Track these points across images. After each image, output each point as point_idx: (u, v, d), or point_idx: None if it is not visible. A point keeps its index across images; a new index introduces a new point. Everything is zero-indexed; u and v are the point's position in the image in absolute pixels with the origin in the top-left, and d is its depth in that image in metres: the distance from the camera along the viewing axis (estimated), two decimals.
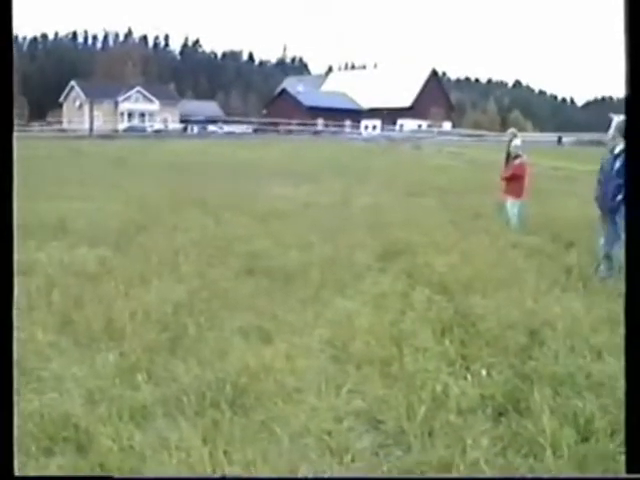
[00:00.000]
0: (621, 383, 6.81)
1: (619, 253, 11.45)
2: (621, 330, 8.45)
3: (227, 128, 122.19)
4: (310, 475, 5.37)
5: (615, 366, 7.28)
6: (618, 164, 11.60)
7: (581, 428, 5.99)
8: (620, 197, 11.45)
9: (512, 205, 17.73)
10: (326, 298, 10.05)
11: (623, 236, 10.60)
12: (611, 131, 12.18)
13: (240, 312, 9.21)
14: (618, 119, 12.03)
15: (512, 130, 22.30)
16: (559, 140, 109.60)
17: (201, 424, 6.01)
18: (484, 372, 7.17)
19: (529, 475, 5.44)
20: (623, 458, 5.59)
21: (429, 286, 10.47)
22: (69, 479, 5.50)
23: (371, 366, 7.41)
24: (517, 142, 18.58)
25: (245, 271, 11.62)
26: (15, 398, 4.00)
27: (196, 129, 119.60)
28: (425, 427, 5.99)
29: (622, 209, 11.18)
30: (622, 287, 10.53)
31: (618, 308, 9.58)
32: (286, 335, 8.31)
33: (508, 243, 14.46)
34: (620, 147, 11.63)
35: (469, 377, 7.07)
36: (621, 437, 5.79)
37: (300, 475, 5.36)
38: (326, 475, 5.41)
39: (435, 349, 7.81)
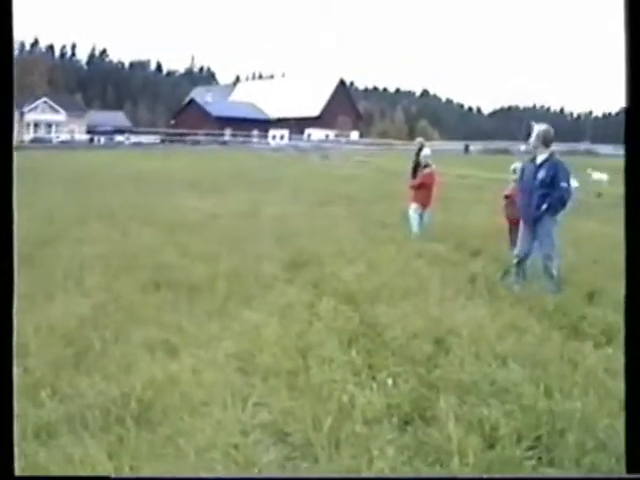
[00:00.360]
0: (526, 389, 6.92)
1: (533, 261, 12.10)
2: (526, 337, 8.61)
3: (134, 139, 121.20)
4: None
5: (520, 373, 7.40)
6: (542, 174, 11.69)
7: (487, 435, 6.05)
8: (545, 207, 11.66)
9: (419, 214, 17.91)
10: (233, 310, 9.98)
11: (547, 243, 11.83)
12: (532, 140, 12.07)
13: (146, 325, 9.12)
14: (539, 127, 12.06)
15: (420, 139, 22.48)
16: (466, 148, 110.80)
17: (106, 440, 5.93)
18: (390, 381, 7.19)
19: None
20: (529, 464, 5.68)
21: (336, 296, 10.51)
22: (69, 479, 5.49)
23: (278, 378, 7.38)
24: (426, 152, 18.76)
25: (151, 284, 11.51)
26: None
27: (103, 140, 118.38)
28: (332, 438, 5.99)
29: (544, 219, 11.75)
30: (529, 294, 10.69)
31: (523, 315, 9.74)
32: (192, 348, 8.24)
33: (414, 252, 14.59)
34: (543, 156, 11.80)
35: (375, 387, 7.08)
36: (526, 443, 5.88)
37: None
38: None
39: (341, 359, 7.81)
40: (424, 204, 18.00)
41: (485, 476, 5.55)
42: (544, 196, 11.65)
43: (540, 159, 11.84)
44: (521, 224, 12.29)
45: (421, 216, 17.93)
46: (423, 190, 17.98)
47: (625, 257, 4.28)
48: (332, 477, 5.63)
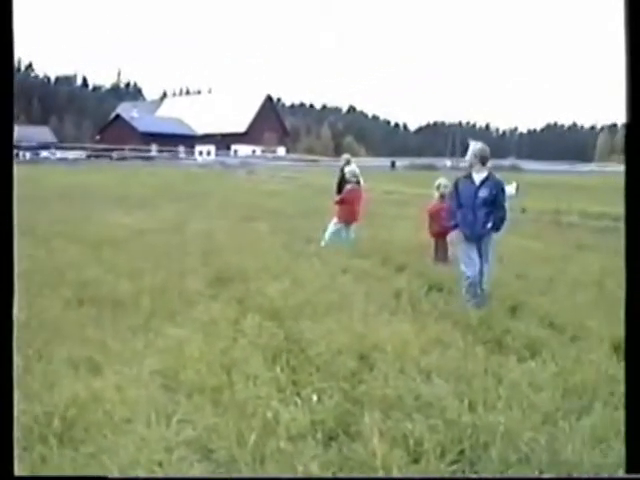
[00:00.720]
0: (450, 403, 6.97)
1: (484, 279, 11.89)
2: (450, 352, 8.67)
3: (60, 154, 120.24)
4: None
5: (444, 387, 7.44)
6: (484, 192, 11.67)
7: (411, 450, 6.08)
8: (490, 225, 11.72)
9: (345, 229, 18.01)
10: (157, 326, 9.90)
11: (489, 259, 12.01)
12: (468, 157, 12.03)
13: (69, 343, 9.02)
14: (475, 145, 12.01)
15: (346, 156, 22.66)
16: (392, 165, 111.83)
17: (29, 459, 5.86)
18: (315, 397, 7.19)
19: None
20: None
21: (260, 312, 10.46)
22: (68, 479, 5.52)
23: (202, 395, 7.35)
24: (350, 168, 18.89)
25: (75, 300, 11.39)
26: None
27: (28, 155, 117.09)
28: (256, 454, 5.97)
29: (490, 236, 11.89)
30: (453, 309, 10.75)
31: (447, 330, 9.80)
32: (116, 365, 8.15)
33: (339, 267, 14.62)
34: (482, 175, 11.78)
35: (299, 403, 7.08)
36: (450, 457, 5.92)
37: None
38: None
39: (266, 375, 7.79)
40: (348, 220, 18.14)
41: (485, 476, 5.59)
42: (488, 214, 11.67)
43: (479, 177, 11.79)
44: (463, 243, 12.15)
45: (347, 231, 18.05)
46: (346, 206, 18.11)
47: (625, 257, 4.33)
48: (333, 477, 5.63)
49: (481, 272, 11.83)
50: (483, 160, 11.83)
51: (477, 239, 11.84)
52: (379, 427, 6.41)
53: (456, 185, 12.23)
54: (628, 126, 4.30)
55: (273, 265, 14.48)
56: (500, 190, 11.80)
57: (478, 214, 11.70)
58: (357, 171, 18.67)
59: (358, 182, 18.53)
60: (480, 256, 11.87)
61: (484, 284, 11.79)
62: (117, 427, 6.52)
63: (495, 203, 11.68)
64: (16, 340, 9.07)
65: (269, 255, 15.91)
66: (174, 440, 6.27)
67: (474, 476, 5.68)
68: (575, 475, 5.65)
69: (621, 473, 5.60)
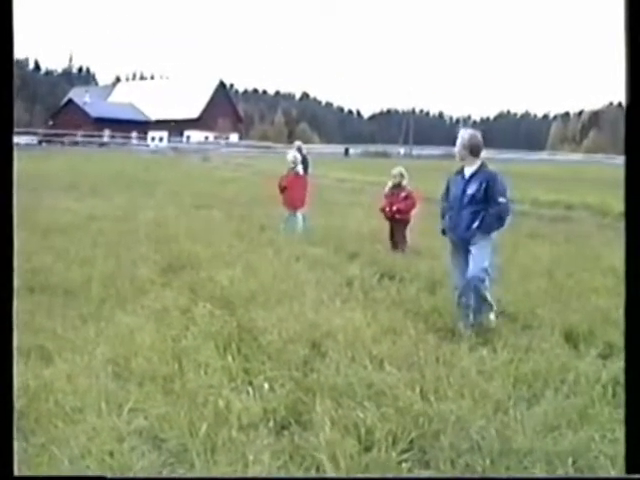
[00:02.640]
0: (402, 392, 6.99)
1: (480, 288, 10.09)
2: (402, 340, 8.70)
3: None
4: None
5: (396, 375, 7.47)
6: (473, 188, 10.07)
7: (362, 438, 6.09)
8: (476, 225, 10.08)
9: (294, 217, 18.03)
10: (108, 314, 9.88)
11: (484, 266, 10.12)
12: (457, 148, 10.33)
13: (19, 331, 8.91)
14: (464, 133, 10.40)
15: (298, 143, 22.68)
16: (346, 152, 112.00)
17: None
18: (266, 386, 7.20)
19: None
20: (405, 466, 5.74)
21: (212, 300, 10.47)
22: (68, 479, 5.50)
23: (153, 383, 7.33)
24: (290, 155, 18.90)
25: (25, 288, 11.28)
26: None
27: None
28: (208, 444, 5.96)
29: (476, 238, 10.14)
30: (405, 297, 10.75)
31: (399, 318, 9.83)
32: (67, 353, 8.11)
33: (292, 255, 14.62)
34: (472, 168, 10.18)
35: (251, 391, 7.08)
36: (402, 445, 5.93)
37: None
38: None
39: (217, 364, 7.78)
40: (291, 207, 18.19)
41: (485, 476, 5.60)
42: (475, 213, 10.04)
43: (469, 171, 10.20)
44: (450, 248, 10.74)
45: (297, 219, 18.07)
46: (286, 192, 18.16)
47: (625, 257, 4.35)
48: (332, 477, 5.62)
49: (473, 281, 10.04)
50: (474, 150, 10.22)
51: (463, 243, 10.27)
52: (331, 416, 6.42)
53: (447, 183, 10.68)
54: (627, 124, 4.33)
55: (226, 253, 14.48)
56: (492, 183, 10.02)
57: (463, 213, 10.16)
58: (297, 158, 18.66)
59: (300, 169, 18.52)
60: (469, 263, 10.14)
61: (485, 290, 10.11)
62: (68, 417, 6.48)
63: (487, 199, 9.99)
64: None
65: (222, 243, 15.89)
66: (125, 430, 6.26)
67: (475, 476, 5.70)
68: (575, 475, 5.68)
69: (570, 462, 5.65)
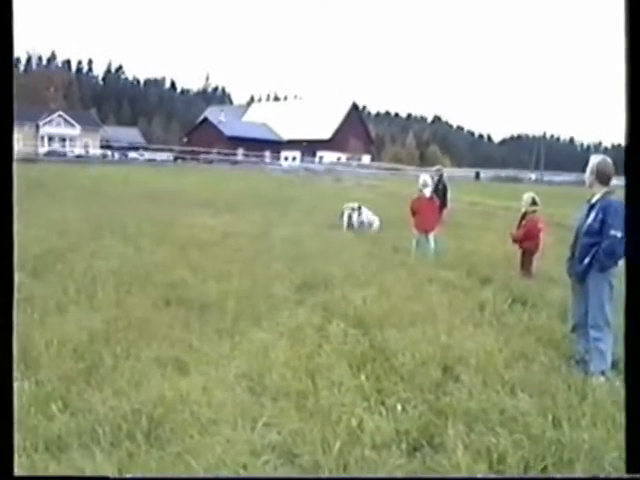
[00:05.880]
0: (534, 419, 6.93)
1: (598, 331, 9.07)
2: (534, 366, 8.59)
3: (148, 155, 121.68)
4: None
5: (528, 402, 7.40)
6: (590, 218, 9.13)
7: (494, 464, 6.07)
8: (587, 260, 9.17)
9: (426, 239, 18.01)
10: (243, 329, 10.05)
11: (598, 306, 9.06)
12: (586, 175, 9.47)
13: (157, 342, 9.16)
14: (594, 159, 9.43)
15: (438, 166, 22.78)
16: (477, 175, 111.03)
17: (116, 455, 5.98)
18: (399, 407, 7.21)
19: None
20: None
21: (345, 319, 10.55)
22: (69, 479, 5.56)
23: (287, 399, 7.43)
24: (421, 178, 18.88)
25: (163, 300, 11.55)
26: None
27: (117, 155, 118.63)
28: (340, 461, 6.02)
29: (591, 276, 9.18)
30: (538, 324, 10.55)
31: (531, 344, 9.71)
32: (203, 366, 8.29)
33: (424, 277, 14.58)
34: (596, 197, 9.20)
35: (384, 412, 7.11)
36: (533, 472, 5.89)
37: None
38: None
39: (351, 383, 7.84)
40: (421, 229, 18.15)
41: (485, 476, 5.58)
42: (590, 246, 9.07)
43: (594, 199, 9.22)
44: (571, 280, 9.77)
45: (429, 241, 18.03)
46: (417, 216, 18.15)
47: (625, 257, 4.31)
48: (332, 477, 5.66)
49: (587, 329, 9.15)
50: (601, 177, 9.22)
51: (578, 278, 9.37)
52: (463, 440, 6.42)
53: (582, 212, 9.52)
54: (629, 133, 4.29)
55: (359, 273, 14.52)
56: (608, 213, 8.87)
57: (580, 245, 9.31)
58: (427, 181, 18.59)
59: (428, 192, 18.46)
60: (583, 301, 9.29)
61: (600, 344, 9.01)
62: (203, 428, 6.61)
63: (601, 232, 8.92)
64: (104, 337, 9.25)
65: (355, 263, 15.94)
66: (259, 443, 6.34)
67: (476, 476, 5.65)
68: (576, 475, 5.60)
69: None
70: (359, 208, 24.66)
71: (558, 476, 5.61)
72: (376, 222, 24.33)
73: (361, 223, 24.74)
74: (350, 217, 24.22)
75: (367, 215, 24.83)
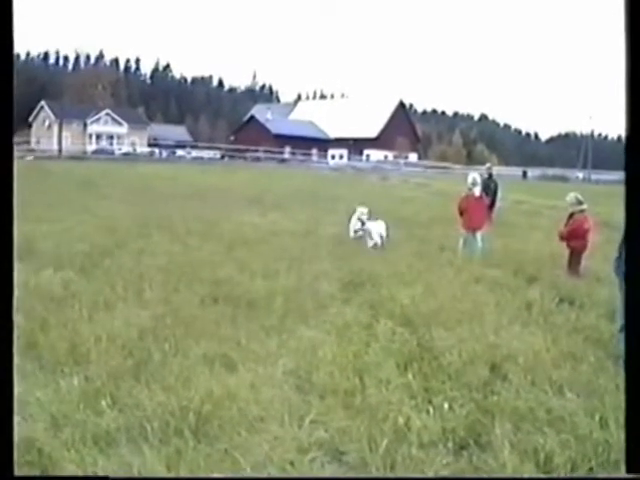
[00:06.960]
0: (582, 419, 6.90)
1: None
2: (582, 366, 8.54)
3: (195, 153, 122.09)
4: None
5: (576, 402, 7.36)
6: None
7: (541, 463, 6.05)
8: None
9: (473, 238, 17.92)
10: (290, 327, 10.08)
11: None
12: None
13: (204, 339, 9.20)
14: None
15: (488, 164, 22.66)
16: (524, 174, 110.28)
17: (165, 451, 6.02)
18: (446, 405, 7.20)
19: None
20: None
21: (392, 318, 10.55)
22: (69, 479, 5.58)
23: (334, 397, 7.43)
24: (470, 177, 18.77)
25: (210, 298, 11.60)
26: None
27: (164, 153, 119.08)
28: (387, 459, 6.03)
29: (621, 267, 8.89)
30: (586, 324, 10.42)
31: (579, 344, 9.65)
32: (250, 364, 8.32)
33: (471, 276, 14.54)
34: None
35: (431, 410, 7.10)
36: (580, 473, 5.87)
37: None
38: None
39: (398, 381, 7.85)
40: (469, 228, 18.05)
41: (485, 476, 5.57)
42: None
43: None
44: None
45: (476, 240, 17.94)
46: (464, 214, 18.06)
47: (625, 257, 4.28)
48: (333, 477, 5.67)
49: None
50: None
51: (623, 276, 8.63)
52: (510, 439, 6.40)
53: None
54: (629, 129, 4.23)
55: (405, 272, 14.50)
56: None
57: (623, 246, 8.76)
58: (476, 179, 18.46)
59: (477, 190, 18.35)
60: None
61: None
62: (251, 425, 6.64)
63: None
64: (153, 334, 9.32)
65: (402, 262, 15.91)
66: (306, 440, 6.36)
67: (474, 476, 5.63)
68: (575, 475, 5.56)
69: None
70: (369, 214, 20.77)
71: (559, 477, 5.58)
72: (379, 239, 19.44)
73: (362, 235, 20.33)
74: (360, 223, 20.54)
75: (374, 228, 20.13)
